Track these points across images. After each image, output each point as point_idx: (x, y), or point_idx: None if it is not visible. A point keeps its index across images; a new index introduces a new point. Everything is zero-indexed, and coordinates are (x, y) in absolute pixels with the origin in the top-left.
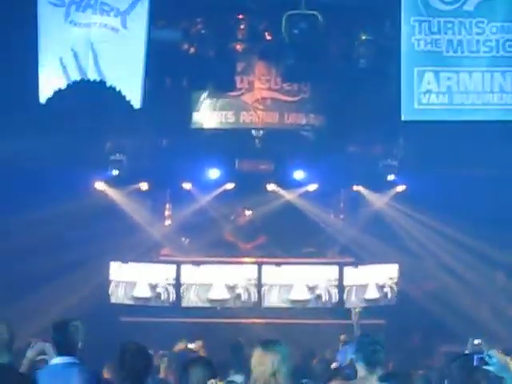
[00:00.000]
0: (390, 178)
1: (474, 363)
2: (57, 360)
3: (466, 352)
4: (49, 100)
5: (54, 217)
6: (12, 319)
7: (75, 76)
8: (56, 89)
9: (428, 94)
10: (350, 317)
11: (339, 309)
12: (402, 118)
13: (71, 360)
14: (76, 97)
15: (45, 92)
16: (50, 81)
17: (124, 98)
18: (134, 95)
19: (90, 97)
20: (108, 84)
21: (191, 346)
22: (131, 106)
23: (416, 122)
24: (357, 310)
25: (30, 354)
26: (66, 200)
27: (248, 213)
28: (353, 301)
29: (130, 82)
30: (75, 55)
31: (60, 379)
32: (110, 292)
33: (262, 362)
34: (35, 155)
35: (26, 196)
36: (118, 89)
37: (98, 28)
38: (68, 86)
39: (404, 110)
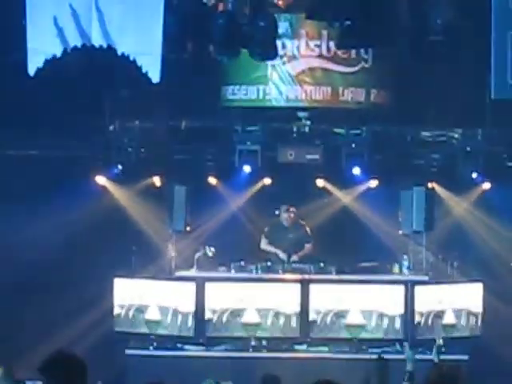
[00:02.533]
0: (473, 175)
1: None
2: None
3: None
4: (39, 71)
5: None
6: None
7: (75, 41)
8: (49, 57)
9: None
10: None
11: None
12: (492, 96)
13: None
14: (75, 67)
15: (34, 61)
16: (41, 47)
17: (140, 69)
18: (153, 66)
19: (93, 67)
20: (119, 51)
21: None
22: (149, 79)
23: (509, 101)
24: (438, 341)
25: None
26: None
27: (291, 215)
28: (426, 330)
29: (147, 49)
30: (74, 14)
31: None
32: (114, 317)
33: None
34: (21, 143)
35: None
36: (131, 58)
37: None
38: (65, 53)
39: (494, 85)
